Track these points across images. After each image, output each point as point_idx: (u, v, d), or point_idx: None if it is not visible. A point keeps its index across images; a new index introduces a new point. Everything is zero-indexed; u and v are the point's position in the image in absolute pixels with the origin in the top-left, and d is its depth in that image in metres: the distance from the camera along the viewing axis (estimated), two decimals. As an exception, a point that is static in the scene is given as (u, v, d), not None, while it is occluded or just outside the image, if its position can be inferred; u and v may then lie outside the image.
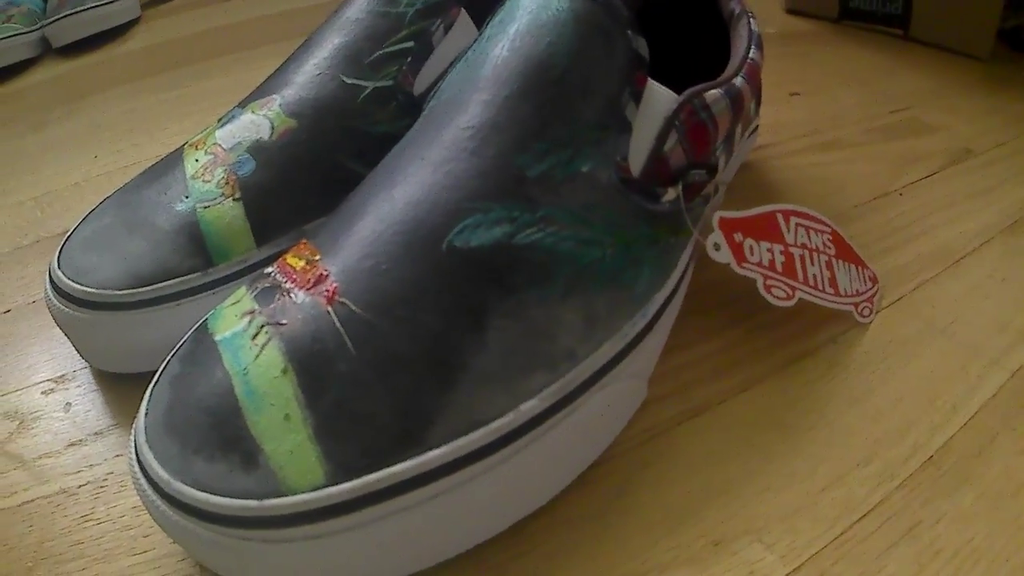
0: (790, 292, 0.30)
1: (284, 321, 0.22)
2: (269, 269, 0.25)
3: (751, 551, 0.24)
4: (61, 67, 0.67)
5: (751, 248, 0.30)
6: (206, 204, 0.30)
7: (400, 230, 0.23)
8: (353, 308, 0.22)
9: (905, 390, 0.29)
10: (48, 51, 0.70)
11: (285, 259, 0.25)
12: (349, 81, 0.32)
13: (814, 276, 0.31)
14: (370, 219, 0.24)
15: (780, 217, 0.31)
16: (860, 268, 0.33)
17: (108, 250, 0.31)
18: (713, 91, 0.29)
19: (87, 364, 0.34)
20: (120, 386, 0.33)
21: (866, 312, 0.32)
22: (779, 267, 0.30)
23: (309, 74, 0.33)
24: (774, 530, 0.24)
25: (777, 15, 0.63)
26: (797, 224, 0.31)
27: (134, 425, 0.24)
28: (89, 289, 0.30)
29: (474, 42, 0.29)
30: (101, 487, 0.29)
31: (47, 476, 0.29)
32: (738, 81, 0.31)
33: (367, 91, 0.32)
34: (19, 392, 0.34)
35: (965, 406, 0.28)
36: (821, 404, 0.29)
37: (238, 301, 0.25)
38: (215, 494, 0.21)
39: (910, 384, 0.29)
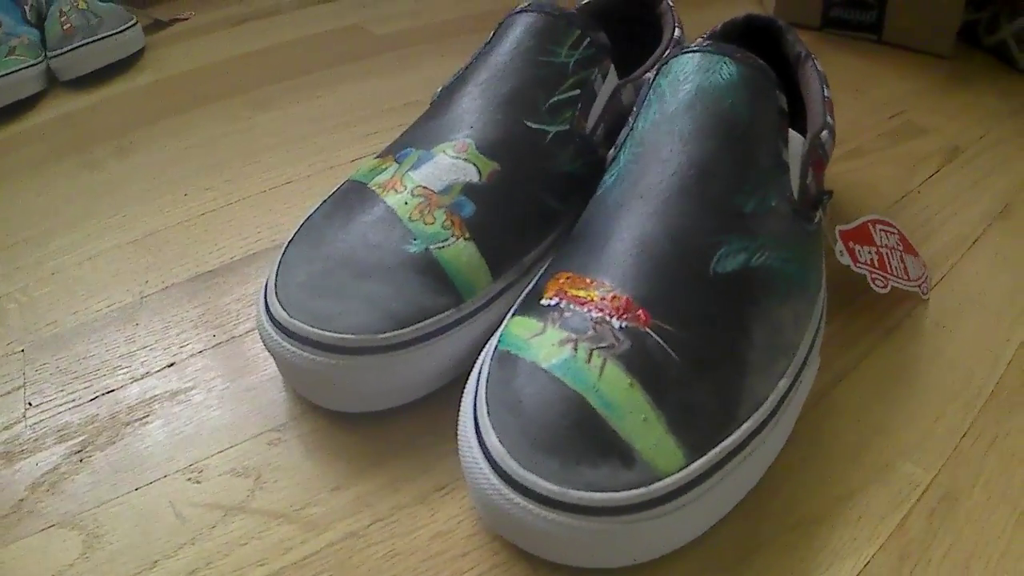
0: (885, 282, 0.40)
1: (611, 344, 0.28)
2: (552, 301, 0.30)
3: (907, 467, 0.33)
4: (70, 104, 0.66)
5: (858, 252, 0.39)
6: (439, 245, 0.34)
7: (672, 263, 0.30)
8: (666, 327, 0.29)
9: (963, 347, 0.39)
10: (54, 84, 0.68)
11: (566, 292, 0.31)
12: (533, 126, 0.37)
13: (895, 267, 0.41)
14: (637, 254, 0.30)
15: (871, 226, 0.40)
16: (915, 257, 0.43)
17: (345, 295, 0.32)
18: (823, 132, 0.38)
19: (301, 408, 0.35)
20: (348, 425, 0.34)
21: (925, 290, 0.43)
22: (876, 264, 0.40)
23: (488, 119, 0.37)
24: (915, 451, 0.33)
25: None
26: (881, 229, 0.41)
27: (480, 455, 0.27)
28: (343, 336, 0.31)
29: (648, 96, 0.36)
30: (391, 523, 0.30)
31: (319, 525, 0.30)
32: (831, 120, 0.40)
33: (551, 135, 0.37)
34: (246, 443, 0.34)
35: (1004, 354, 0.39)
36: (913, 362, 0.38)
37: (541, 332, 0.29)
38: (609, 491, 0.25)
39: (965, 342, 0.39)
